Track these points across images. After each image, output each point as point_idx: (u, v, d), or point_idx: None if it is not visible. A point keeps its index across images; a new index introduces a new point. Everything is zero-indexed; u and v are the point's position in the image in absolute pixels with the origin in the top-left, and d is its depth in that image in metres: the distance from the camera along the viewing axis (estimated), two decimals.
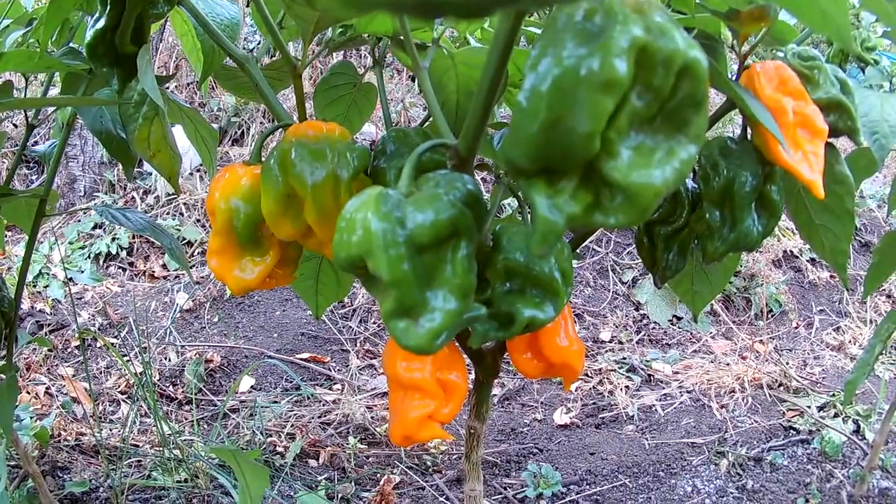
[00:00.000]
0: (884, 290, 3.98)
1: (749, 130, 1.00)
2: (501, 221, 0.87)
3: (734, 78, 1.01)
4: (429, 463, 2.32)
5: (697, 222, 0.99)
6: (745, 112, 0.96)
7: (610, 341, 3.32)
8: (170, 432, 2.19)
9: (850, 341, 3.47)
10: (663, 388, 2.88)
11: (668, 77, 0.46)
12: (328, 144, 0.77)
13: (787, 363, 3.08)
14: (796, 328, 3.62)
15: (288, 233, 0.79)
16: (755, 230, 0.94)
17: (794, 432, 2.53)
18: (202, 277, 3.42)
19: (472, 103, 0.60)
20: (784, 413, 2.66)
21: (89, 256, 3.55)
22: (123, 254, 3.60)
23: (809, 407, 2.65)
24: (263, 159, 0.83)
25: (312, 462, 2.30)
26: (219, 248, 0.85)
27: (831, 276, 4.09)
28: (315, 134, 0.79)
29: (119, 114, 1.16)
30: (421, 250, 0.55)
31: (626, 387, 2.87)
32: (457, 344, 0.89)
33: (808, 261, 4.08)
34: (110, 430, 2.36)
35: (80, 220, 3.76)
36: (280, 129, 0.91)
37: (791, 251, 4.07)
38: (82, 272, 3.45)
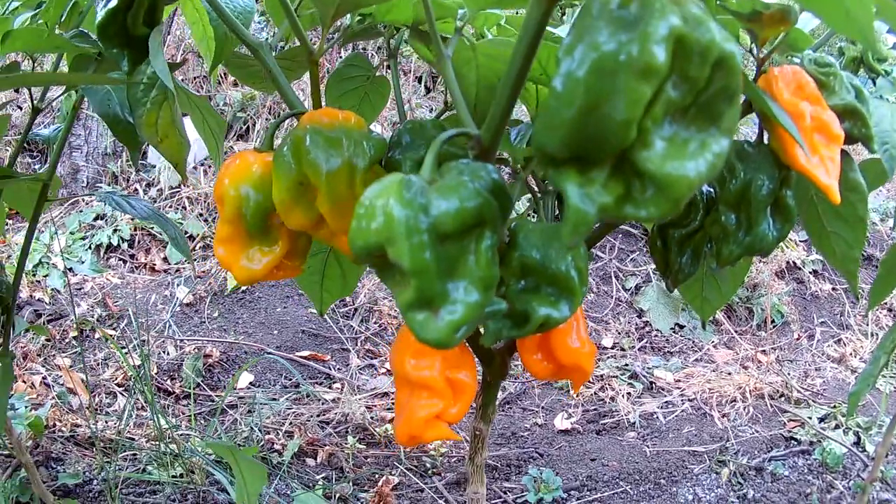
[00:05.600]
0: (885, 303, 3.97)
1: (765, 135, 0.99)
2: (517, 219, 0.85)
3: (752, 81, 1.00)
4: (428, 465, 2.30)
5: (712, 226, 0.98)
6: (765, 115, 0.95)
7: (612, 348, 3.30)
8: (167, 426, 2.18)
9: (851, 354, 3.46)
10: (665, 396, 2.86)
11: (704, 68, 0.45)
12: (344, 132, 0.75)
13: (789, 374, 3.07)
14: (798, 339, 3.61)
15: (299, 222, 0.78)
16: (770, 234, 0.93)
17: (796, 443, 2.52)
18: (203, 272, 3.40)
19: (498, 91, 0.59)
20: (785, 423, 2.65)
21: (90, 247, 3.51)
22: (125, 246, 3.56)
23: (811, 418, 2.64)
24: (276, 148, 0.82)
25: (310, 461, 2.28)
26: (227, 236, 0.84)
27: (833, 289, 4.07)
28: (330, 121, 0.77)
29: (127, 98, 1.14)
30: (444, 239, 0.53)
31: (628, 393, 2.86)
32: (466, 343, 0.88)
33: (810, 272, 4.07)
34: (106, 422, 2.34)
35: (81, 211, 3.73)
36: (292, 118, 0.90)
37: (794, 262, 4.06)
38: (82, 263, 3.41)
